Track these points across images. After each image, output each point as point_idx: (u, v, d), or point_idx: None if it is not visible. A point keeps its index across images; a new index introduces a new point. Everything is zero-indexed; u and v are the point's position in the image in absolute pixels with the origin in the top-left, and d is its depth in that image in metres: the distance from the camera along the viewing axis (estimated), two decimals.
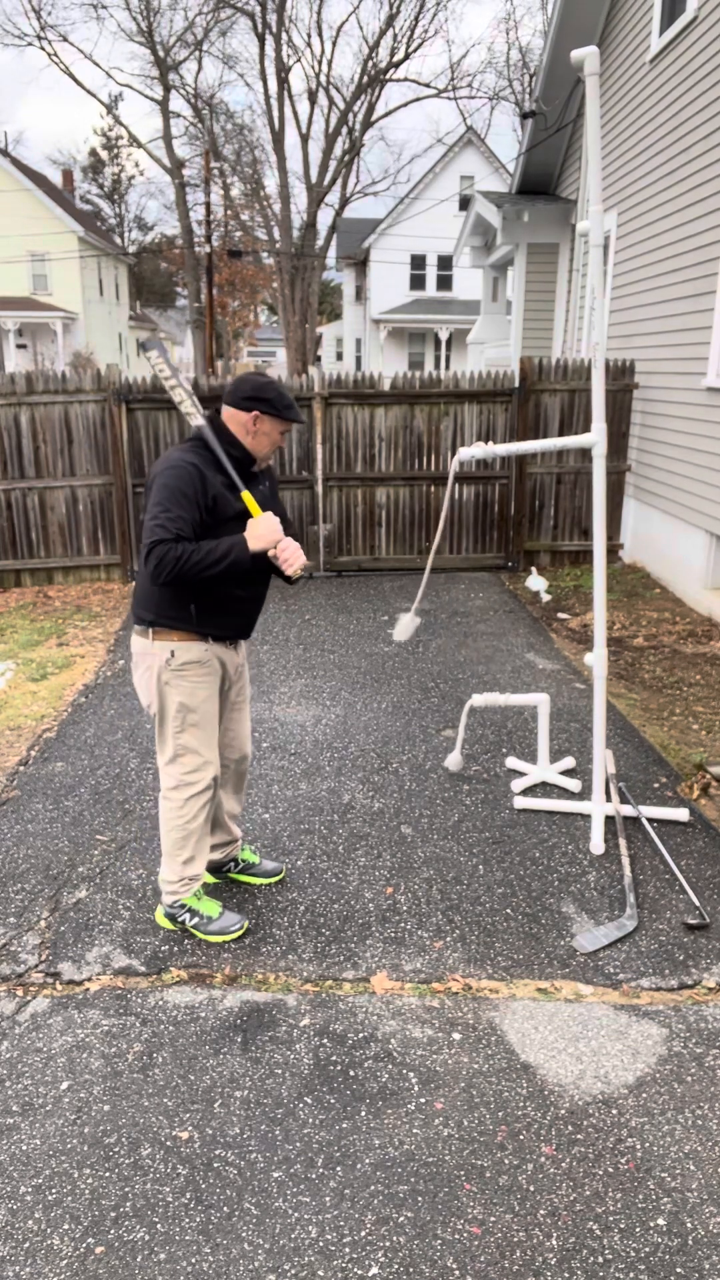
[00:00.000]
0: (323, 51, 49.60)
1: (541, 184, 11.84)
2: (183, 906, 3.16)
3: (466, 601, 7.50)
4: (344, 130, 29.69)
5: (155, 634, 2.94)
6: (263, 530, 2.85)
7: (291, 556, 2.90)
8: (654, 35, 7.85)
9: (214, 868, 3.47)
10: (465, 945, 3.10)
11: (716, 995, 2.86)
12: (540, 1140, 2.34)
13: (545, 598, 7.51)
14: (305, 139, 30.08)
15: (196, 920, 3.15)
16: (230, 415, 2.90)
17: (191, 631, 2.95)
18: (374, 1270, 2.01)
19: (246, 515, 2.89)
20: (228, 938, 3.13)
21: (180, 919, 3.17)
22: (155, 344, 3.01)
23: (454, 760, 4.36)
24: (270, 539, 2.85)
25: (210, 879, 3.47)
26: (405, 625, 4.17)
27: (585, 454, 8.36)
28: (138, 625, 2.98)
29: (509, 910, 3.30)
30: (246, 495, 2.88)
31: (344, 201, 31.28)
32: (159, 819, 3.18)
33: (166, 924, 3.21)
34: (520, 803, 4.04)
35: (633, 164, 8.46)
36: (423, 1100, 2.46)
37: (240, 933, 3.15)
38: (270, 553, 2.90)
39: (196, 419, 2.90)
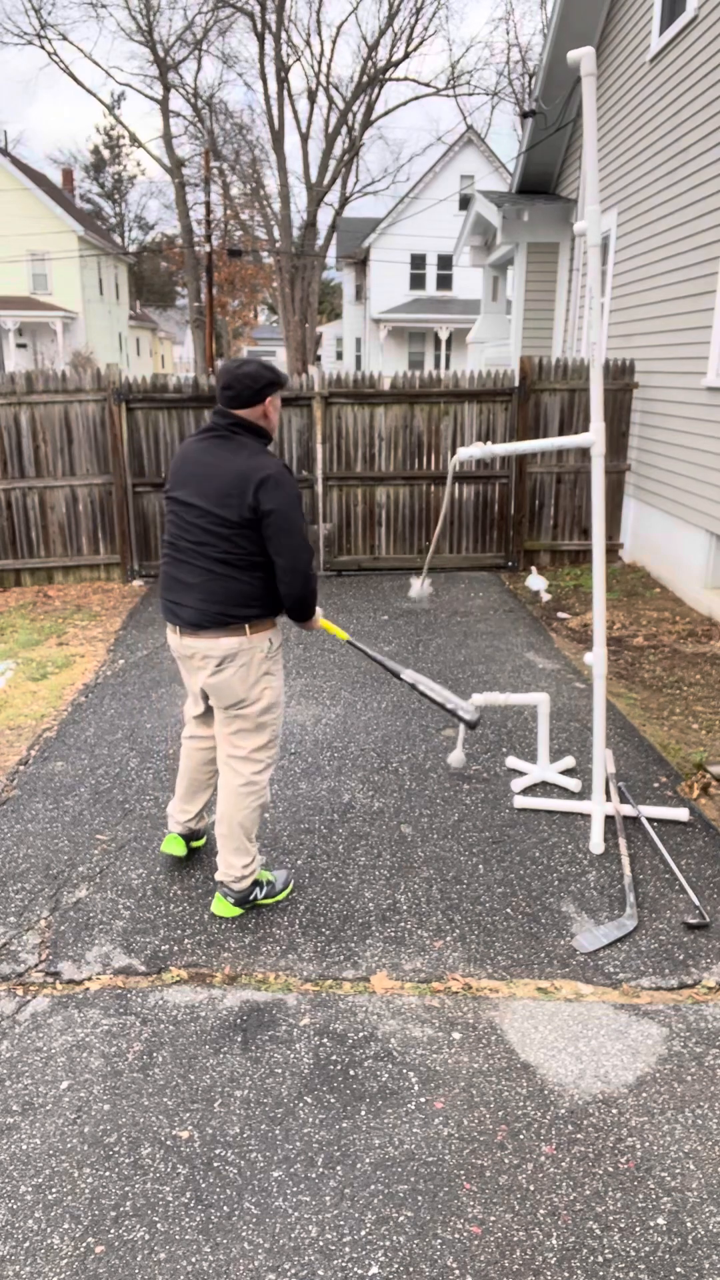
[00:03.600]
0: (322, 51, 49.57)
1: (541, 183, 11.84)
2: (256, 883, 3.28)
3: (466, 601, 7.50)
4: (344, 129, 29.69)
5: (252, 628, 3.03)
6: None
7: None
8: (654, 35, 7.85)
9: (191, 835, 3.61)
10: (465, 945, 3.10)
11: (716, 995, 2.86)
12: (540, 1140, 2.34)
13: (545, 597, 7.51)
14: (305, 138, 30.08)
15: (267, 889, 3.32)
16: (249, 414, 2.96)
17: (274, 620, 3.11)
18: (374, 1269, 2.01)
19: None
20: (290, 889, 3.39)
21: (252, 897, 3.28)
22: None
23: (457, 758, 4.36)
24: None
25: (182, 850, 3.58)
26: (419, 587, 4.21)
27: (585, 453, 8.36)
28: (226, 626, 2.99)
29: (509, 910, 3.30)
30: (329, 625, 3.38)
31: (344, 201, 31.28)
32: (230, 809, 3.18)
33: (234, 912, 3.26)
34: (520, 802, 4.04)
35: (632, 164, 8.46)
36: (423, 1100, 2.47)
37: (291, 885, 3.44)
38: None
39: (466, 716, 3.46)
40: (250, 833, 3.24)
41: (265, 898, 3.31)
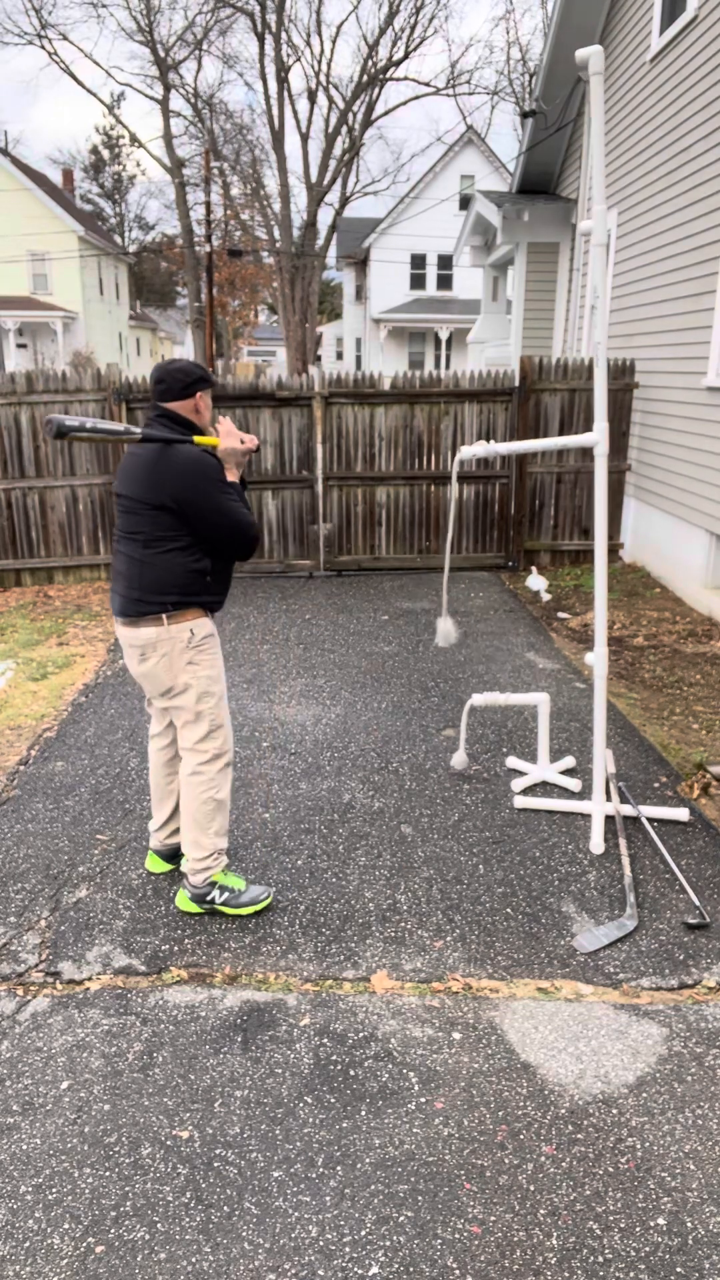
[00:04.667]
0: (322, 51, 49.52)
1: (542, 183, 11.84)
2: (213, 884, 3.22)
3: (467, 601, 7.50)
4: (344, 129, 29.68)
5: (170, 618, 3.05)
6: (226, 462, 3.08)
7: (245, 441, 3.11)
8: (654, 35, 7.85)
9: (171, 853, 3.55)
10: (465, 945, 3.10)
11: (717, 995, 2.86)
12: (540, 1140, 2.34)
13: (545, 597, 7.51)
14: (305, 138, 30.08)
15: (227, 895, 3.22)
16: (179, 407, 3.06)
17: (201, 608, 3.12)
18: (374, 1269, 2.01)
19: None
20: (259, 907, 3.23)
21: (210, 898, 3.22)
22: (53, 421, 2.93)
23: (459, 759, 4.36)
24: (235, 459, 3.10)
25: (166, 866, 3.56)
26: (445, 629, 4.21)
27: (585, 453, 8.36)
28: (145, 616, 3.05)
29: (509, 910, 3.30)
30: (200, 439, 3.06)
31: (344, 201, 31.28)
32: (184, 801, 3.22)
33: (191, 908, 3.24)
34: (520, 802, 4.04)
35: (633, 163, 8.46)
36: (423, 1100, 2.47)
37: (268, 901, 3.26)
38: (242, 457, 3.14)
39: (135, 430, 3.01)
40: (205, 827, 3.20)
41: (224, 904, 3.22)
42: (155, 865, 3.57)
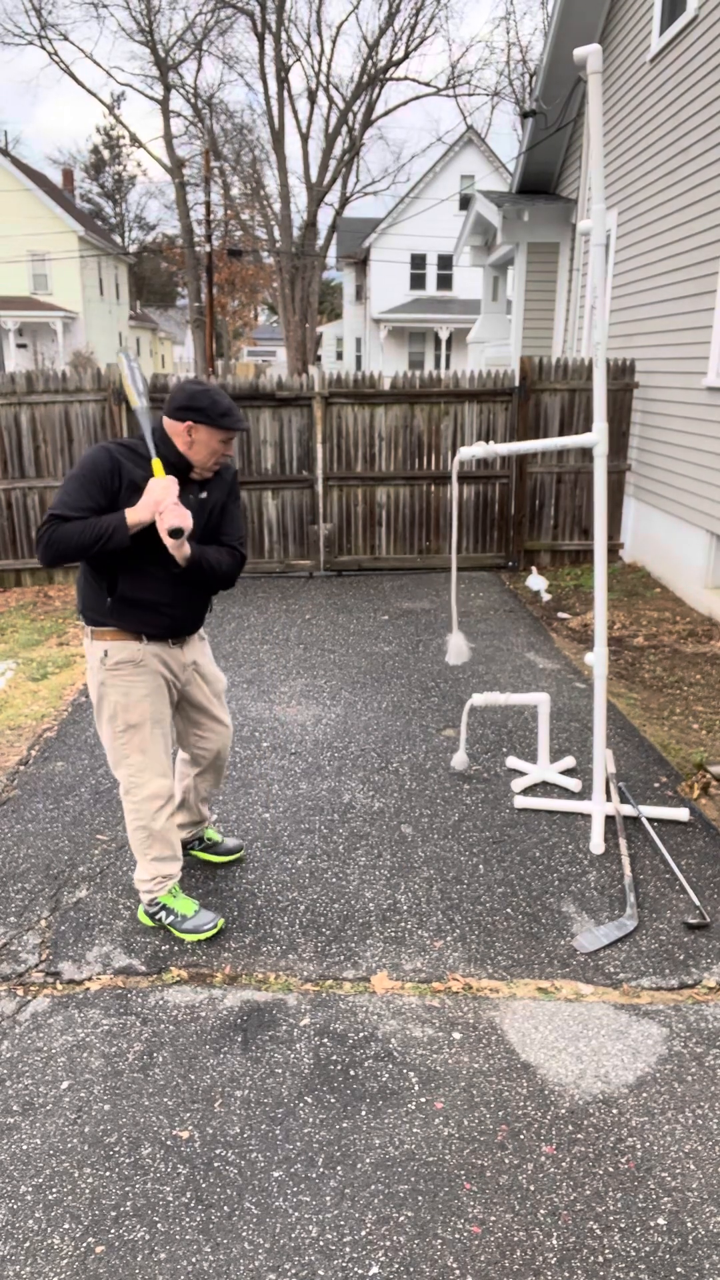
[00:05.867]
0: (322, 51, 49.58)
1: (542, 183, 11.84)
2: (162, 906, 3.18)
3: (467, 601, 7.50)
4: (344, 129, 29.70)
5: (94, 634, 2.95)
6: (145, 499, 2.70)
7: (168, 513, 2.68)
8: (654, 34, 7.85)
9: (184, 844, 3.56)
10: (465, 945, 3.10)
11: (717, 995, 2.86)
12: (540, 1140, 2.34)
13: (545, 597, 7.51)
14: (305, 138, 30.09)
15: (172, 918, 3.18)
16: (169, 425, 2.86)
17: (123, 630, 2.91)
18: (374, 1270, 2.01)
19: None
20: (200, 936, 3.15)
21: (157, 917, 3.20)
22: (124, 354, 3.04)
23: (460, 760, 4.36)
24: (149, 507, 2.69)
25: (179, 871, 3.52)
26: (457, 645, 4.21)
27: (585, 453, 8.36)
28: (84, 625, 3.01)
29: (509, 910, 3.30)
30: (155, 462, 2.78)
31: (344, 201, 31.29)
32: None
33: (147, 921, 3.23)
34: (520, 802, 4.04)
35: (633, 163, 8.46)
36: (423, 1100, 2.47)
37: (213, 932, 3.16)
38: (158, 523, 2.71)
39: (139, 402, 2.90)
40: (143, 853, 3.11)
41: (171, 926, 3.17)
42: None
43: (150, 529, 2.78)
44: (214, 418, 2.79)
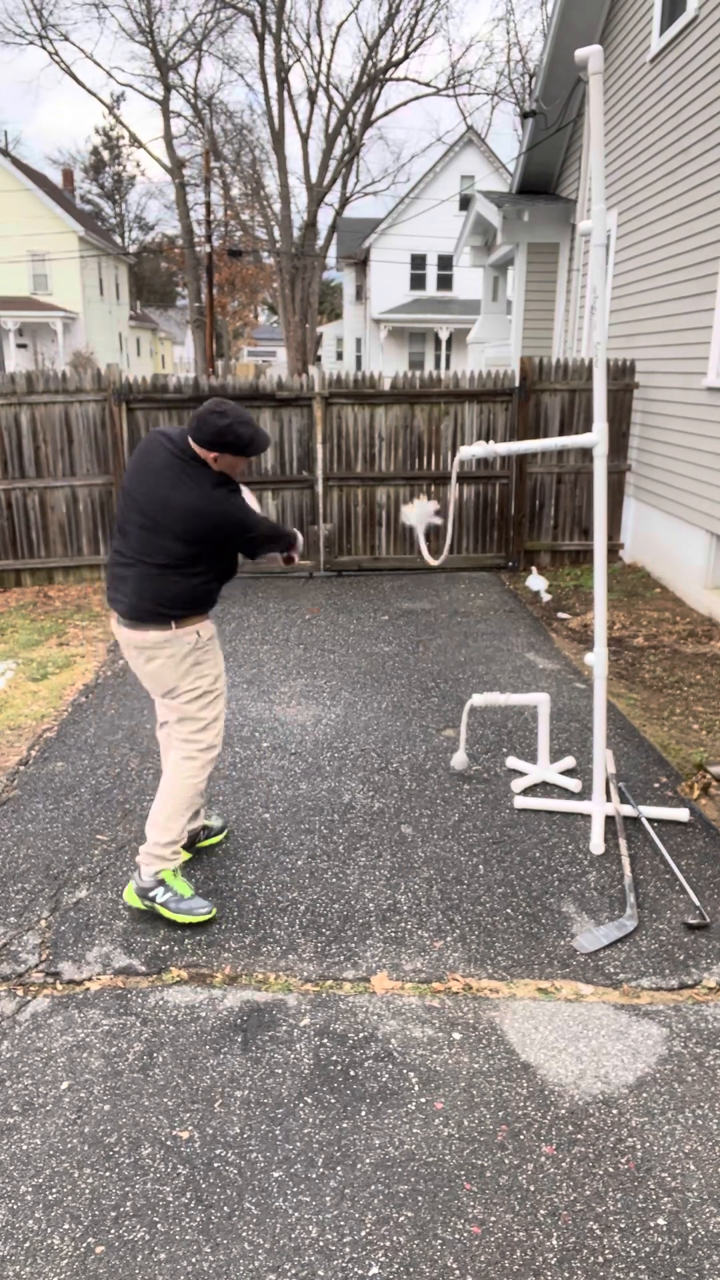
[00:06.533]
0: (322, 51, 49.60)
1: (542, 183, 11.84)
2: (161, 882, 3.21)
3: (467, 601, 7.50)
4: (344, 130, 29.68)
5: (178, 623, 3.15)
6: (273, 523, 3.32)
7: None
8: (654, 35, 7.85)
9: (191, 840, 3.63)
10: (465, 945, 3.10)
11: (717, 995, 2.86)
12: (540, 1140, 2.34)
13: (545, 597, 7.51)
14: (305, 139, 30.08)
15: (169, 896, 3.20)
16: (197, 448, 3.05)
17: (206, 613, 3.24)
18: (374, 1270, 2.01)
19: None
20: (194, 919, 3.18)
21: (152, 894, 3.21)
22: None
23: (460, 760, 4.36)
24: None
25: (185, 855, 3.57)
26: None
27: (585, 454, 8.36)
28: (154, 621, 3.12)
29: (509, 910, 3.30)
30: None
31: (344, 201, 31.28)
32: (169, 785, 3.25)
33: (135, 902, 3.24)
34: (520, 802, 4.04)
35: (633, 163, 8.46)
36: (423, 1100, 2.47)
37: (207, 918, 3.20)
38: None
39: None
40: (181, 812, 3.25)
41: (164, 904, 3.19)
42: None
43: None
44: (239, 450, 3.05)
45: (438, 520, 4.09)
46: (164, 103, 31.36)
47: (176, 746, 3.30)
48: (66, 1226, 2.13)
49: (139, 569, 3.11)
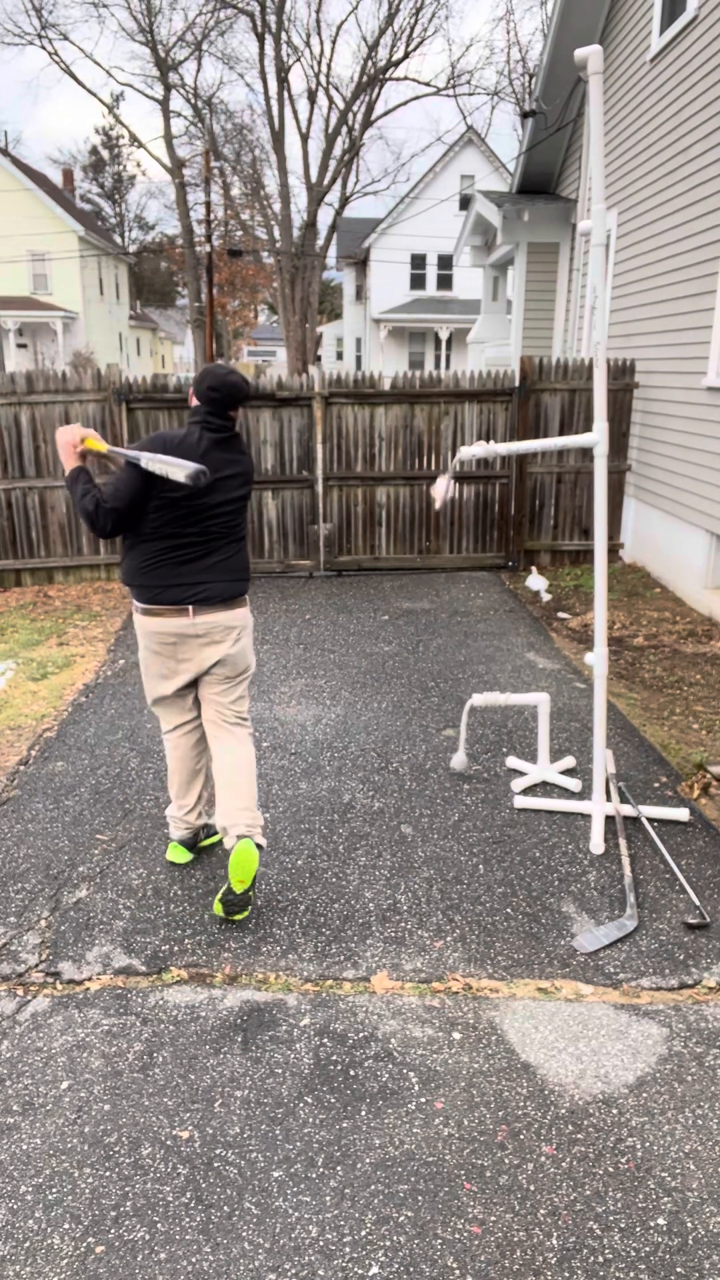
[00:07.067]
0: (322, 51, 49.60)
1: (542, 183, 11.84)
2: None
3: (467, 601, 7.50)
4: (344, 129, 29.66)
5: (241, 602, 3.34)
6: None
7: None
8: (654, 35, 7.85)
9: (194, 837, 3.65)
10: (465, 945, 3.10)
11: (717, 995, 2.86)
12: (540, 1140, 2.34)
13: (545, 597, 7.51)
14: (305, 138, 30.06)
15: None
16: (232, 414, 3.29)
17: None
18: (374, 1269, 2.01)
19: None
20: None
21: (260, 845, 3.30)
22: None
23: (459, 760, 4.36)
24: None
25: (188, 855, 3.63)
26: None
27: (585, 453, 8.36)
28: (241, 596, 3.33)
29: (509, 910, 3.30)
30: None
31: (344, 201, 31.26)
32: (241, 766, 3.33)
33: (254, 862, 3.13)
34: (520, 802, 4.04)
35: (633, 163, 8.46)
36: (423, 1100, 2.47)
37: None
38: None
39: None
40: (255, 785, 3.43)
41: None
42: (179, 855, 3.60)
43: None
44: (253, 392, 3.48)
45: (447, 488, 4.09)
46: (164, 102, 31.35)
47: (232, 728, 3.39)
48: (66, 1226, 2.13)
49: (229, 546, 3.28)
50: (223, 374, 3.19)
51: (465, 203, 28.62)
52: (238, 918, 3.19)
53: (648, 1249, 2.05)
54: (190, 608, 3.23)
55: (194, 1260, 2.04)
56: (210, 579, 3.24)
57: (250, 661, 3.43)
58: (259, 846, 3.22)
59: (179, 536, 3.19)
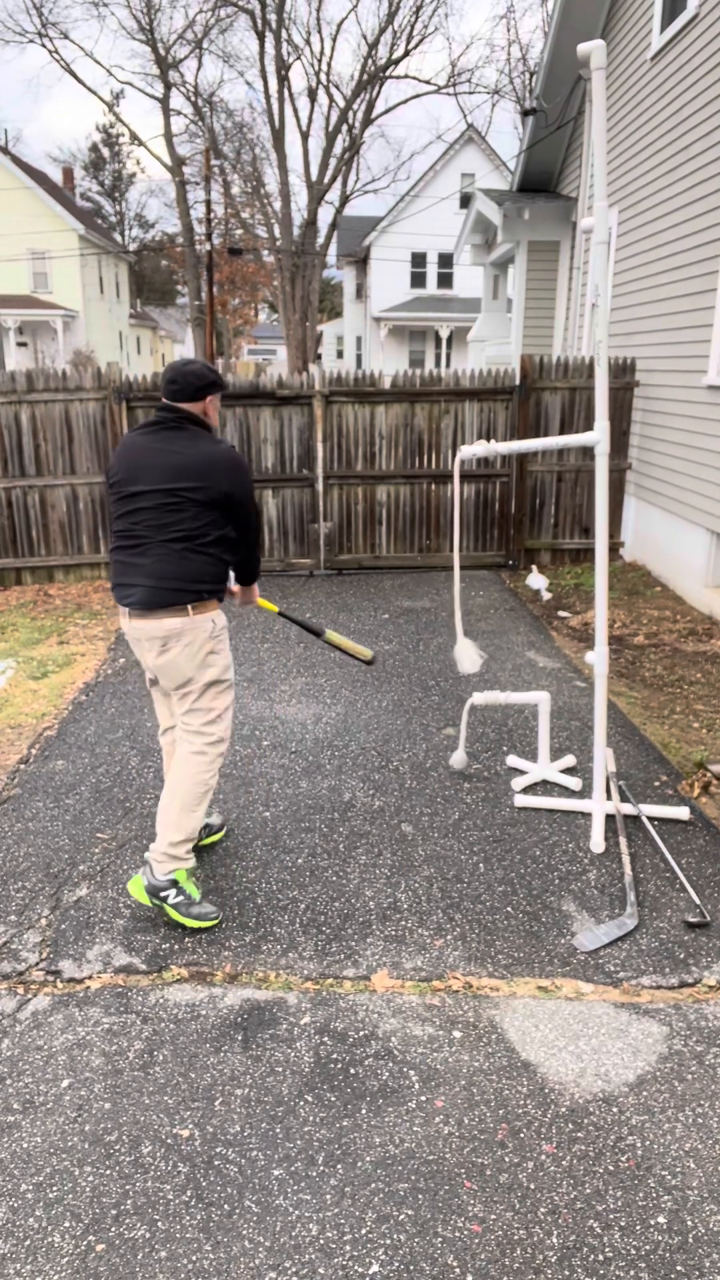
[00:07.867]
0: (322, 49, 49.54)
1: (542, 181, 11.83)
2: (174, 883, 3.16)
3: (467, 600, 7.50)
4: (344, 127, 29.67)
5: (195, 609, 3.13)
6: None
7: None
8: (655, 33, 7.84)
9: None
10: (466, 943, 3.10)
11: (717, 993, 2.86)
12: (541, 1138, 2.34)
13: (546, 596, 7.51)
14: (305, 136, 30.07)
15: (181, 899, 3.16)
16: (193, 408, 3.16)
17: (218, 600, 3.24)
18: (375, 1268, 2.02)
19: None
20: (203, 924, 3.16)
21: (164, 894, 3.15)
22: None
23: (458, 759, 4.36)
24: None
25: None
26: (467, 655, 4.23)
27: (586, 452, 8.36)
28: (172, 606, 3.09)
29: (509, 908, 3.30)
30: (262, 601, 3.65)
31: (344, 199, 31.26)
32: (177, 782, 3.21)
33: (143, 898, 3.16)
34: (521, 801, 4.04)
35: (633, 161, 8.46)
36: (423, 1098, 2.47)
37: (214, 924, 3.18)
38: None
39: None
40: (193, 809, 3.21)
41: (174, 907, 3.15)
42: None
43: None
44: (221, 384, 3.23)
45: (480, 662, 4.21)
46: (164, 100, 31.34)
47: (185, 740, 3.27)
48: (67, 1224, 2.13)
49: (156, 549, 3.06)
50: (178, 365, 3.16)
51: (466, 201, 28.59)
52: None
53: (648, 1247, 2.05)
54: (126, 610, 3.18)
55: (194, 1258, 2.04)
56: (138, 582, 3.10)
57: (190, 675, 3.18)
58: (149, 877, 3.17)
59: (115, 530, 3.18)
